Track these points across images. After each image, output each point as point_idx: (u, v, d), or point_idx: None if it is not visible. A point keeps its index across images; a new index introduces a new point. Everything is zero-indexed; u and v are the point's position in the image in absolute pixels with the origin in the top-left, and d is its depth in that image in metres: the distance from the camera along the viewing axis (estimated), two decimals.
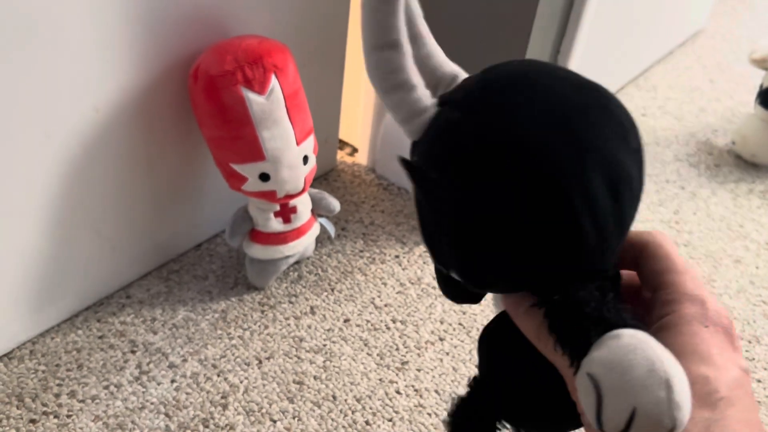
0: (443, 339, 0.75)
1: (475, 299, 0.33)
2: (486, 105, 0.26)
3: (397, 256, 0.85)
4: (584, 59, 0.89)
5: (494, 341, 0.35)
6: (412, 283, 0.81)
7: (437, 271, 0.32)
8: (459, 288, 0.32)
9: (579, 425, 0.32)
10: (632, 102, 1.26)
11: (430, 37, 0.30)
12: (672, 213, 0.99)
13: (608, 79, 1.24)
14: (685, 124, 1.21)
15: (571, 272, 0.27)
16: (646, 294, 0.30)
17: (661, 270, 0.29)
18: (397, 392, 0.69)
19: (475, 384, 0.38)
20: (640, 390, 0.23)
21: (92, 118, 0.62)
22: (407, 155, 0.29)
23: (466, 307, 0.79)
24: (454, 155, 0.26)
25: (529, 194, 0.25)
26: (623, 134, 0.27)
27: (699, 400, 0.25)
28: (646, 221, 0.97)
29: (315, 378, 0.69)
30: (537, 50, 0.80)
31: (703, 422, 0.24)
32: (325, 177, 0.98)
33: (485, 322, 0.36)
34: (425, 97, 0.28)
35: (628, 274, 0.31)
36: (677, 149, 1.13)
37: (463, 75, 0.31)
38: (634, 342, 0.24)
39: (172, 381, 0.67)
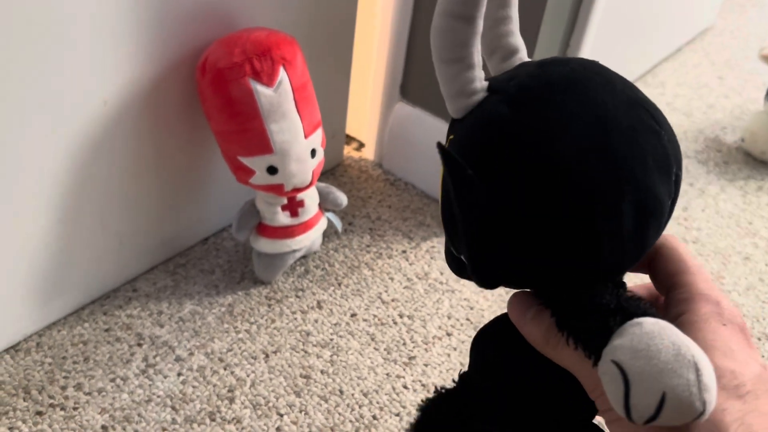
0: (450, 334, 0.74)
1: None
2: (535, 110, 0.26)
3: (404, 251, 0.85)
4: (593, 55, 0.88)
5: (493, 342, 0.34)
6: (419, 278, 0.81)
7: (447, 248, 0.32)
8: (465, 266, 0.32)
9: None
10: None
11: (515, 2, 0.30)
12: (681, 210, 0.98)
13: None
14: (693, 121, 1.20)
15: (584, 280, 0.27)
16: (659, 296, 0.31)
17: (674, 271, 0.30)
18: (405, 387, 0.68)
19: (460, 381, 0.37)
20: (669, 373, 0.23)
21: (101, 111, 0.62)
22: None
23: (473, 302, 0.78)
24: (492, 153, 0.26)
25: (558, 212, 0.25)
26: (666, 165, 0.27)
27: (728, 392, 0.25)
28: None
29: (322, 372, 0.69)
30: (545, 46, 0.80)
31: (737, 411, 0.24)
32: (332, 172, 0.97)
33: (493, 317, 0.35)
34: (479, 79, 0.28)
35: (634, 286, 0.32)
36: (686, 146, 1.13)
37: (523, 53, 0.31)
38: (656, 329, 0.24)
39: (179, 374, 0.67)
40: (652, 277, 0.31)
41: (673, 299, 0.29)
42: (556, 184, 0.25)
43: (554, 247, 0.26)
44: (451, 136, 0.29)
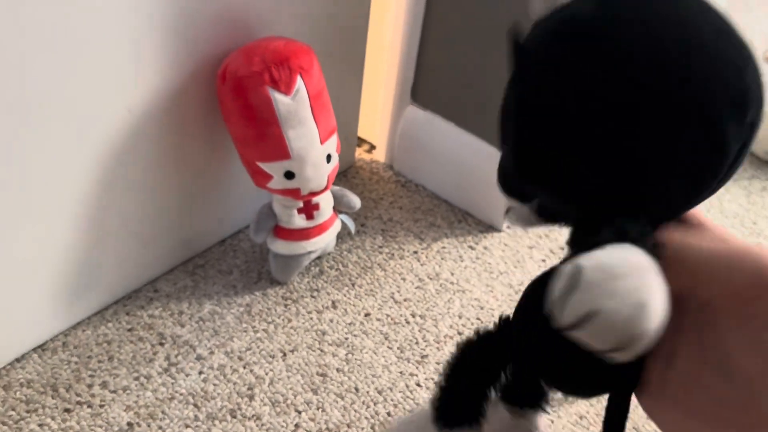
0: (462, 333, 0.77)
1: (524, 198, 0.33)
2: (618, 15, 0.25)
3: (415, 252, 0.87)
4: None
5: (537, 287, 0.34)
6: (431, 279, 0.83)
7: (501, 165, 0.32)
8: (515, 183, 0.32)
9: (610, 388, 0.32)
10: None
11: None
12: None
13: None
14: None
15: (619, 191, 0.27)
16: None
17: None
18: (418, 385, 0.70)
19: (500, 323, 0.38)
20: (616, 299, 0.22)
21: (125, 119, 0.64)
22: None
23: (483, 302, 0.81)
24: (559, 42, 0.26)
25: (610, 117, 0.25)
26: (743, 104, 0.26)
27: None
28: None
29: (338, 370, 0.71)
30: None
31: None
32: (344, 174, 0.99)
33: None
34: None
35: None
36: None
37: None
38: (637, 261, 0.24)
39: (200, 372, 0.69)
40: None
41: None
42: (618, 87, 0.24)
43: (596, 157, 0.25)
44: (533, 32, 0.29)
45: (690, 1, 0.26)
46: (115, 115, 0.63)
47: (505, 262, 0.87)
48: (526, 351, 0.35)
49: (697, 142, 0.25)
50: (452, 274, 0.84)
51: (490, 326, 0.40)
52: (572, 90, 0.25)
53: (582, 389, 0.34)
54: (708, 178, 0.26)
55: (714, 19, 0.25)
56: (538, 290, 0.34)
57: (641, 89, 0.24)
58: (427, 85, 0.92)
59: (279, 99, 0.65)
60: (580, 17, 0.26)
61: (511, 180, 0.32)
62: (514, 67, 0.27)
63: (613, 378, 0.31)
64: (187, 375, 0.69)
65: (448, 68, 0.87)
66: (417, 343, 0.75)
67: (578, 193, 0.28)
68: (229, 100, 0.67)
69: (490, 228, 0.92)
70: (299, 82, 0.66)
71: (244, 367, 0.70)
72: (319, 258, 0.84)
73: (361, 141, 1.06)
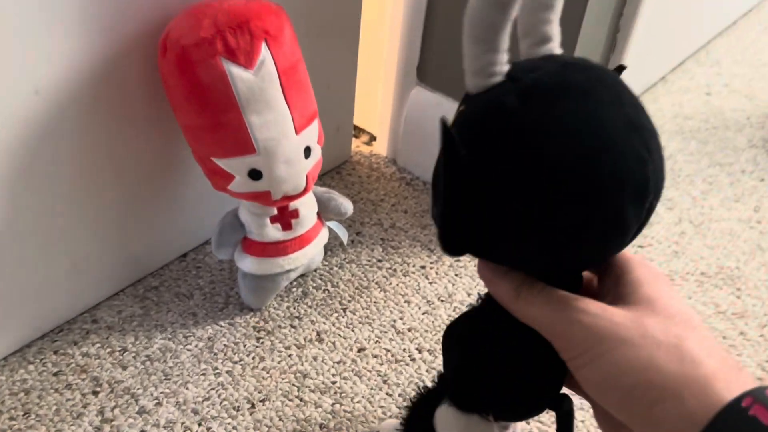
0: None
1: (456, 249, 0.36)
2: (538, 109, 0.27)
3: (422, 267, 0.70)
4: (645, 33, 0.74)
5: (469, 331, 0.37)
6: (442, 301, 0.67)
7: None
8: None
9: (554, 405, 0.36)
10: (694, 80, 1.09)
11: None
12: (752, 210, 0.82)
13: (667, 55, 1.07)
14: (757, 104, 1.04)
15: (541, 269, 0.32)
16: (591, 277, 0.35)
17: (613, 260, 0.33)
18: None
19: (440, 380, 0.43)
20: None
21: (32, 104, 0.48)
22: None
23: None
24: (486, 135, 0.28)
25: (527, 205, 0.27)
26: (643, 193, 0.29)
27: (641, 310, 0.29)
28: (721, 220, 0.81)
29: (321, 427, 0.55)
30: (596, 14, 0.65)
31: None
32: (338, 170, 0.83)
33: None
34: (501, 63, 0.29)
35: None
36: (751, 133, 0.97)
37: (556, 44, 0.31)
38: None
39: None
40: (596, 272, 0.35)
41: (609, 271, 0.32)
42: (533, 181, 0.27)
43: (515, 236, 0.29)
44: (462, 107, 0.30)
45: (604, 94, 0.28)
46: (19, 98, 0.47)
47: None
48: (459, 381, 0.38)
49: (604, 222, 0.28)
50: (469, 294, 0.68)
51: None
52: (494, 176, 0.28)
53: (520, 411, 0.37)
54: (612, 247, 0.30)
55: (626, 111, 0.28)
56: (462, 337, 0.38)
57: (556, 181, 0.27)
58: (437, 61, 0.75)
59: (237, 74, 0.49)
60: (503, 110, 0.28)
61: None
62: (443, 153, 0.29)
63: (545, 394, 0.36)
64: None
65: (460, 41, 0.70)
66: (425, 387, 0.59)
67: (501, 258, 0.32)
68: (173, 77, 0.51)
69: None
70: (264, 52, 0.50)
71: (200, 424, 0.54)
72: (302, 276, 0.68)
73: (358, 131, 0.90)
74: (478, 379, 0.36)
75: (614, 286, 0.31)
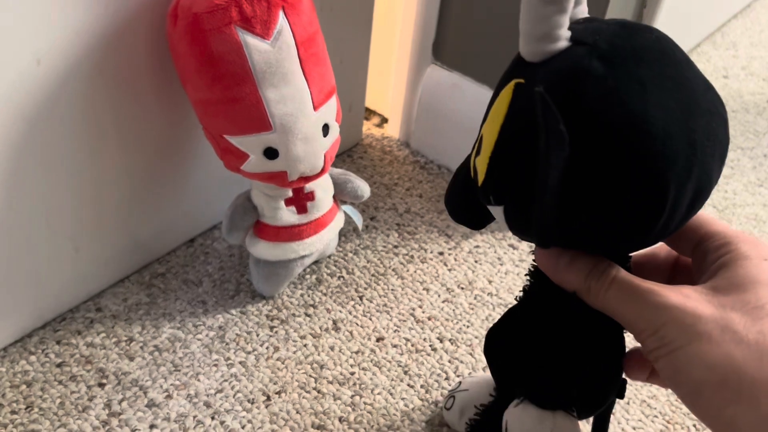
0: None
1: (479, 225, 0.35)
2: (630, 72, 0.25)
3: (441, 253, 0.67)
4: (663, 17, 0.71)
5: (535, 328, 0.35)
6: (462, 288, 0.64)
7: (459, 180, 0.33)
8: (471, 207, 0.32)
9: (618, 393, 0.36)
10: (710, 62, 1.06)
11: None
12: None
13: (684, 38, 1.04)
14: None
15: (628, 246, 0.29)
16: (676, 255, 0.33)
17: (698, 226, 0.30)
18: None
19: (500, 390, 0.41)
20: None
21: (33, 74, 0.45)
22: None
23: None
24: (585, 106, 0.25)
25: (634, 176, 0.25)
26: (724, 153, 0.27)
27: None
28: (746, 205, 0.78)
29: (341, 420, 0.52)
30: (620, 4, 0.62)
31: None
32: (349, 153, 0.80)
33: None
34: (566, 26, 0.26)
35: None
36: None
37: (584, 6, 0.29)
38: None
39: (152, 426, 0.50)
40: (671, 244, 0.33)
41: (707, 248, 0.29)
42: (638, 148, 0.25)
43: (621, 209, 0.26)
44: (520, 80, 0.27)
45: (678, 55, 0.27)
46: (19, 68, 0.44)
47: None
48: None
49: (695, 191, 0.27)
50: (490, 282, 0.65)
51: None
52: (598, 147, 0.25)
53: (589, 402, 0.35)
54: (691, 218, 0.29)
55: (698, 72, 0.27)
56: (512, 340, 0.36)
57: (658, 140, 0.25)
58: (454, 38, 0.72)
59: (253, 45, 0.46)
60: (593, 77, 0.25)
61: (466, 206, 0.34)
62: (547, 134, 0.25)
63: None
64: (133, 430, 0.50)
65: (479, 17, 0.67)
66: (447, 378, 0.56)
67: (594, 242, 0.29)
68: (184, 47, 0.47)
69: None
70: (281, 21, 0.47)
71: (213, 418, 0.51)
72: (316, 263, 0.65)
73: (369, 112, 0.87)
74: (561, 373, 0.34)
75: (710, 264, 0.29)
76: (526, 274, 0.37)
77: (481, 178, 0.30)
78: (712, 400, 0.26)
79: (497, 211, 0.31)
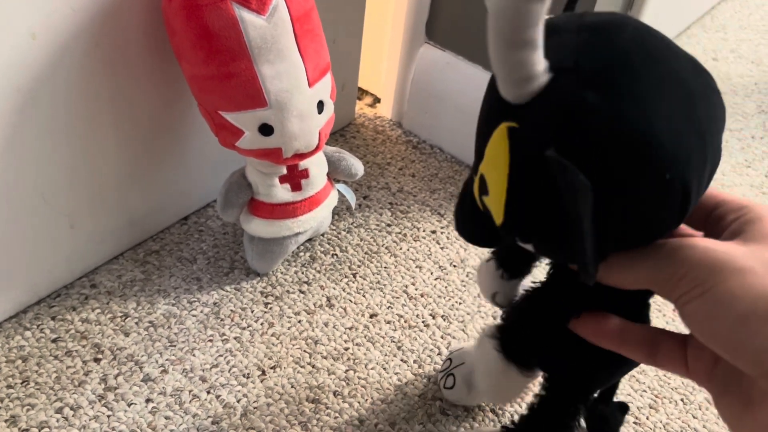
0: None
1: (494, 243, 0.37)
2: (624, 93, 0.24)
3: (433, 232, 0.68)
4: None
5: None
6: (455, 266, 0.65)
7: (465, 201, 0.32)
8: (484, 228, 0.31)
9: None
10: (700, 45, 1.07)
11: None
12: (763, 176, 0.81)
13: (673, 20, 1.05)
14: (764, 70, 1.02)
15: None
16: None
17: (710, 195, 0.30)
18: (444, 413, 0.52)
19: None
20: None
21: (28, 48, 0.44)
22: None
23: None
24: (592, 145, 0.24)
25: (658, 188, 0.25)
26: (724, 120, 0.27)
27: None
28: (733, 186, 0.79)
29: (335, 394, 0.53)
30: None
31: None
32: (341, 133, 0.80)
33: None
34: (542, 59, 0.24)
35: None
36: (760, 99, 0.95)
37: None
38: None
39: (148, 400, 0.51)
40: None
41: (724, 212, 0.29)
42: (654, 163, 0.24)
43: (652, 218, 0.26)
44: (512, 124, 0.26)
45: (660, 51, 0.26)
46: (13, 42, 0.44)
47: None
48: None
49: (711, 171, 0.27)
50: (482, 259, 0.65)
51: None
52: (618, 181, 0.25)
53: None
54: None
55: (677, 49, 0.26)
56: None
57: (666, 149, 0.24)
58: (447, 17, 0.72)
59: (248, 20, 0.46)
60: (589, 110, 0.24)
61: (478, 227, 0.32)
62: (571, 190, 0.24)
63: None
64: (130, 404, 0.50)
65: None
66: (440, 353, 0.57)
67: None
68: (179, 23, 0.47)
69: None
70: None
71: (209, 392, 0.52)
72: (310, 241, 0.65)
73: (362, 92, 0.87)
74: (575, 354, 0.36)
75: (729, 225, 0.29)
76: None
77: (498, 219, 0.29)
78: (757, 333, 0.24)
79: (526, 245, 0.30)
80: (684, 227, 0.32)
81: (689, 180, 0.25)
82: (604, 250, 0.28)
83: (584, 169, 0.24)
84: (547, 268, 0.36)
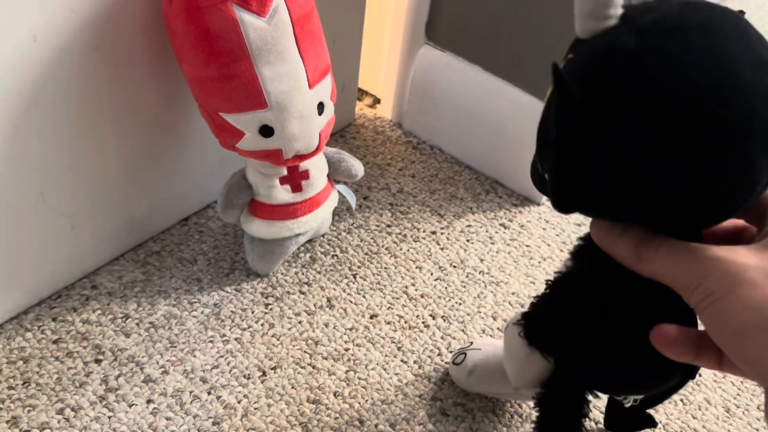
0: (498, 338, 0.58)
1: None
2: (659, 46, 0.25)
3: (433, 233, 0.68)
4: None
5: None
6: (454, 267, 0.65)
7: (534, 164, 0.33)
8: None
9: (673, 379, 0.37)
10: None
11: None
12: None
13: None
14: None
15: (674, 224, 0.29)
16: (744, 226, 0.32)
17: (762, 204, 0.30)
18: (444, 413, 0.52)
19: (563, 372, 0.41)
20: None
21: (29, 50, 0.44)
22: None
23: (523, 297, 0.62)
24: (603, 78, 0.26)
25: (652, 145, 0.26)
26: None
27: None
28: None
29: (335, 395, 0.53)
30: None
31: None
32: (341, 133, 0.80)
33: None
34: (616, 6, 0.27)
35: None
36: None
37: None
38: None
39: (149, 401, 0.51)
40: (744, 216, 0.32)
41: (765, 211, 0.30)
42: (655, 119, 0.25)
43: (634, 186, 0.27)
44: (570, 55, 0.28)
45: (730, 31, 0.26)
46: (15, 44, 0.44)
47: (548, 244, 0.68)
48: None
49: (730, 167, 0.26)
50: (481, 260, 0.66)
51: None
52: (613, 118, 0.26)
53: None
54: (738, 201, 0.27)
55: (755, 49, 0.26)
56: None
57: (679, 118, 0.25)
58: (448, 18, 0.72)
59: (249, 22, 0.46)
60: (619, 49, 0.26)
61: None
62: (557, 99, 0.27)
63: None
64: (130, 405, 0.50)
65: None
66: (440, 354, 0.57)
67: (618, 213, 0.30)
68: (180, 25, 0.47)
69: (525, 200, 0.74)
70: None
71: (209, 393, 0.52)
72: (310, 242, 0.65)
73: (362, 93, 0.87)
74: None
75: (766, 225, 0.29)
76: (570, 252, 0.38)
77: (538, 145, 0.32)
78: (753, 343, 0.25)
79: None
80: (735, 224, 0.33)
81: (678, 152, 0.25)
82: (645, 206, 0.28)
83: (605, 107, 0.26)
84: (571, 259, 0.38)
